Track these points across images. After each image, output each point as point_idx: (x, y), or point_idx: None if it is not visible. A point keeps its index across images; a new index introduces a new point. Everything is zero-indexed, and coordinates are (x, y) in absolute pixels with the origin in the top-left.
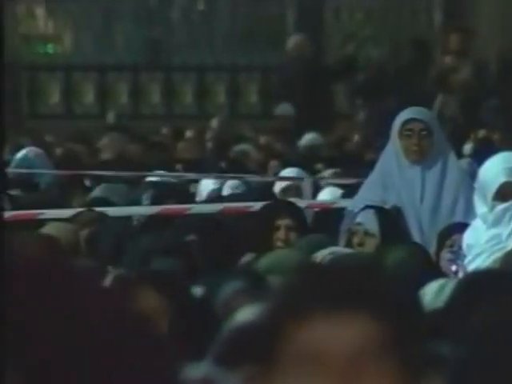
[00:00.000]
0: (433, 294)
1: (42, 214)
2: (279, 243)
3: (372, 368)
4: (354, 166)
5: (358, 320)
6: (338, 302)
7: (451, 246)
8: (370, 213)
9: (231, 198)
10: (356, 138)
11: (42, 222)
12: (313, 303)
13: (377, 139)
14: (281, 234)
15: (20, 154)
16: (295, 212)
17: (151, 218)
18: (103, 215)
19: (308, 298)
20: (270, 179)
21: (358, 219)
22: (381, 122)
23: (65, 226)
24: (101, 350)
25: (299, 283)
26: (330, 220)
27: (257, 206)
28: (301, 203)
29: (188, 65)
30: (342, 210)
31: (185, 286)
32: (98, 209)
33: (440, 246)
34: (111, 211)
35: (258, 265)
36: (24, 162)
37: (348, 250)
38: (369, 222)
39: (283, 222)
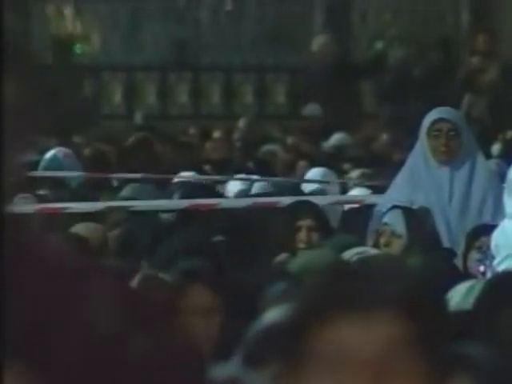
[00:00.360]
0: (461, 295)
1: (68, 208)
2: (301, 244)
3: (398, 369)
4: (382, 167)
5: (384, 321)
6: (364, 303)
7: (479, 248)
8: (398, 213)
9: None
10: (383, 137)
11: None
12: (339, 304)
13: (404, 139)
14: (302, 234)
15: (49, 155)
16: (316, 212)
17: (179, 219)
18: (131, 216)
19: (334, 299)
20: (294, 181)
21: (385, 220)
22: (408, 122)
23: (93, 226)
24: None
25: (325, 284)
26: (357, 220)
27: (285, 201)
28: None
29: (215, 65)
30: (369, 210)
31: (236, 284)
32: (127, 202)
33: (468, 247)
34: (141, 205)
35: (291, 265)
36: (53, 163)
37: (375, 251)
38: (396, 222)
39: (304, 223)
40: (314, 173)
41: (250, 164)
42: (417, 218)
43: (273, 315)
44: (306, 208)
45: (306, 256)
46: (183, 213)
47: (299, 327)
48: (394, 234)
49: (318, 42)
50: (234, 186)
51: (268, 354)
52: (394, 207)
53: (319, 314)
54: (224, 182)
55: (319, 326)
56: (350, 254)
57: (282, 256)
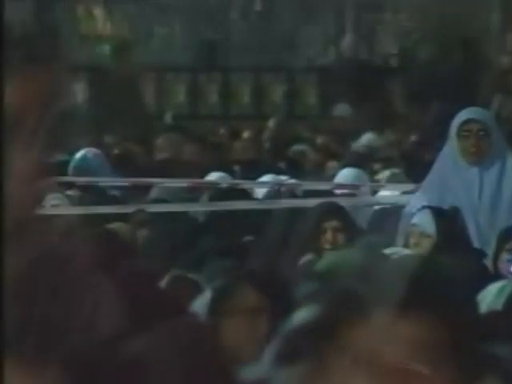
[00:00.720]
0: (492, 296)
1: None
2: (327, 245)
3: (427, 369)
4: (412, 167)
5: (413, 322)
6: (394, 304)
7: (510, 249)
8: (427, 213)
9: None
10: (413, 138)
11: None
12: (369, 304)
13: (433, 139)
14: (328, 236)
15: (79, 155)
16: (341, 213)
17: (208, 219)
18: (160, 216)
19: (362, 299)
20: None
21: (415, 220)
22: (437, 123)
23: (122, 226)
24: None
25: (354, 284)
26: (387, 220)
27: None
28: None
29: (245, 65)
30: (399, 210)
31: (284, 284)
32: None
33: (499, 248)
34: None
35: (317, 265)
36: (82, 162)
37: (406, 251)
38: (425, 223)
39: (330, 225)
40: (346, 173)
41: (281, 164)
42: (447, 219)
43: (303, 315)
44: (330, 209)
45: (332, 256)
46: (213, 213)
47: (330, 327)
48: (423, 234)
49: (346, 41)
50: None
51: (299, 354)
52: (424, 208)
53: (347, 314)
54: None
55: (347, 325)
56: (383, 254)
57: (308, 257)
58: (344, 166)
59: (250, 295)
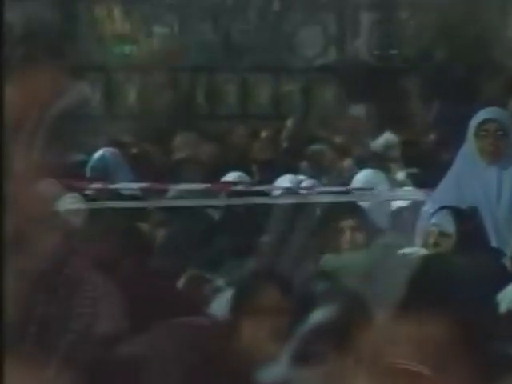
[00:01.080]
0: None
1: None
2: (345, 245)
3: (446, 368)
4: (430, 166)
5: (432, 321)
6: (411, 303)
7: None
8: (446, 213)
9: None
10: (431, 138)
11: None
12: (374, 305)
13: (451, 140)
14: (346, 235)
15: (97, 154)
16: (358, 212)
17: (226, 218)
18: (177, 215)
19: (378, 299)
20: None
21: (434, 220)
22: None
23: (140, 225)
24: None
25: (367, 285)
26: (405, 220)
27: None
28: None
29: (263, 65)
30: (417, 209)
31: (302, 284)
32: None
33: None
34: (190, 203)
35: (326, 266)
36: (100, 162)
37: (424, 251)
38: (444, 222)
39: (347, 224)
40: (364, 175)
41: (300, 163)
42: (465, 219)
43: (319, 315)
44: (347, 208)
45: (340, 258)
46: (230, 212)
47: (340, 327)
48: (442, 234)
49: (361, 41)
50: (282, 185)
51: (316, 354)
52: (443, 207)
53: (362, 314)
54: (270, 182)
55: (362, 325)
56: (401, 254)
57: (328, 256)
58: (361, 166)
59: (271, 294)
